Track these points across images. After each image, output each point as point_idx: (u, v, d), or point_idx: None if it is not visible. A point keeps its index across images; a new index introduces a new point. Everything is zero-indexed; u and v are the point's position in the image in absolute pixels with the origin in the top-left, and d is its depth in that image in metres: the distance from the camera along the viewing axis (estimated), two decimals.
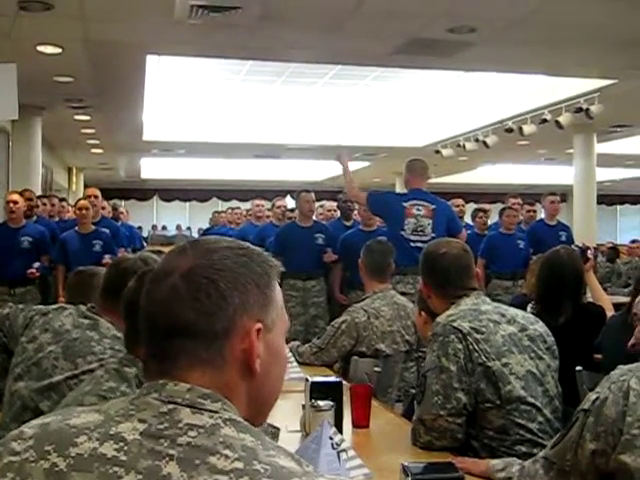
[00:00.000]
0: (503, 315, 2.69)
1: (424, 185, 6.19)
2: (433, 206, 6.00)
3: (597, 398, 1.80)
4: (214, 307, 1.07)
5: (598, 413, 1.78)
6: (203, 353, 1.07)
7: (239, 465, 0.95)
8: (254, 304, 1.11)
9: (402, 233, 5.85)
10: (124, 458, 0.97)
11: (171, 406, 1.02)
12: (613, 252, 14.25)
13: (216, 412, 1.02)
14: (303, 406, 2.66)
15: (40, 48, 7.67)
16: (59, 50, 7.79)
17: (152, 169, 20.16)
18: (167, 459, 0.96)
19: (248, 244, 1.17)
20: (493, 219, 9.62)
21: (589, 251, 4.42)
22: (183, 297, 1.06)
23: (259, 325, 1.10)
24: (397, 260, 4.67)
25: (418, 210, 5.92)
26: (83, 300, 2.89)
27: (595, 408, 1.79)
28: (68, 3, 6.32)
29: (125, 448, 0.97)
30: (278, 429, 2.28)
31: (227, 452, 0.96)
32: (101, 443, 0.98)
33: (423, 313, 3.31)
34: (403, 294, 4.66)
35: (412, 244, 5.72)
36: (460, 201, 9.20)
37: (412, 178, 6.18)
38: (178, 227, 23.27)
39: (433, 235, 5.71)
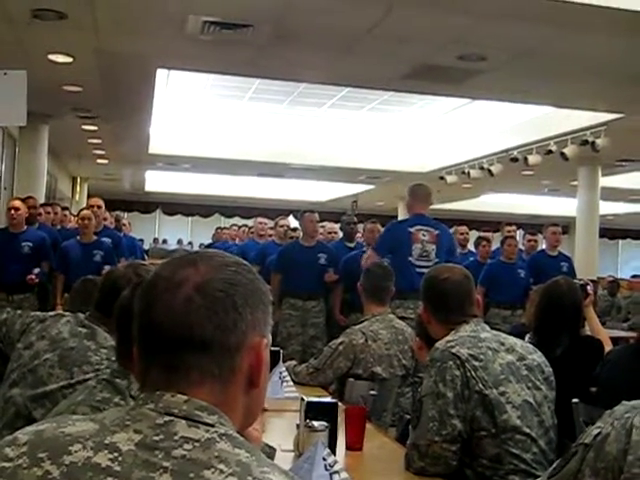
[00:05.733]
0: (502, 343, 2.68)
1: (426, 211, 6.19)
2: (437, 231, 6.01)
3: (599, 433, 1.77)
4: (230, 322, 1.07)
5: (599, 449, 1.75)
6: (215, 369, 1.07)
7: None
8: (261, 320, 1.12)
9: (410, 259, 5.84)
10: (118, 468, 0.96)
11: (167, 418, 1.01)
12: (614, 286, 14.25)
13: (212, 426, 1.02)
14: (297, 426, 2.64)
15: (51, 57, 7.70)
16: (70, 59, 7.82)
17: (156, 182, 20.19)
18: (161, 471, 0.95)
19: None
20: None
21: (589, 286, 4.42)
22: (200, 310, 1.06)
23: (265, 341, 1.12)
24: (399, 285, 4.66)
25: (424, 235, 5.92)
26: (85, 308, 2.88)
27: (596, 443, 1.76)
28: (81, 13, 6.35)
29: (119, 458, 0.97)
30: (274, 449, 2.27)
31: (222, 467, 0.96)
32: (95, 452, 0.98)
33: (417, 338, 3.31)
34: (403, 319, 4.64)
35: (417, 269, 5.70)
36: (464, 228, 9.23)
37: (415, 203, 6.18)
38: (179, 241, 23.27)
39: (437, 260, 5.70)
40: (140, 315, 1.10)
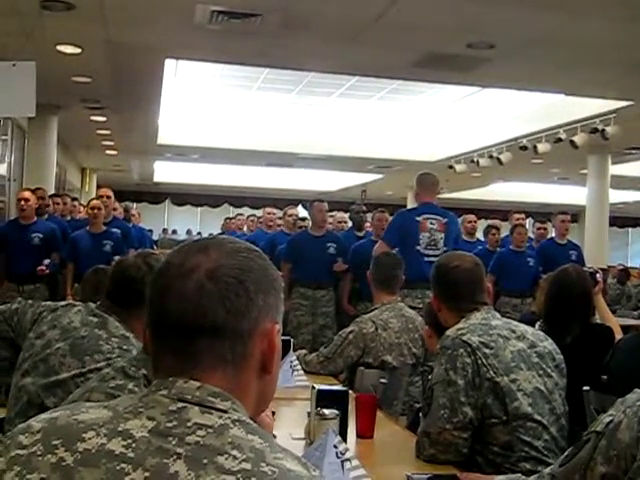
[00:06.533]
0: (513, 331, 2.68)
1: (434, 199, 6.17)
2: (445, 220, 5.99)
3: (611, 421, 1.77)
4: (242, 307, 1.07)
5: (611, 436, 1.74)
6: (228, 354, 1.07)
7: (247, 466, 0.95)
8: (273, 306, 1.12)
9: (418, 248, 5.81)
10: (132, 455, 0.96)
11: (180, 404, 1.02)
12: (624, 274, 14.21)
13: (225, 412, 1.02)
14: (308, 414, 2.65)
15: (60, 48, 7.72)
16: (79, 50, 7.83)
17: (165, 173, 20.21)
18: (175, 457, 0.95)
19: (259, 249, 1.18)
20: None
21: (598, 274, 4.40)
22: (212, 296, 1.06)
23: (278, 327, 1.12)
24: (407, 274, 4.66)
25: (432, 224, 5.90)
26: (96, 297, 2.89)
27: (609, 431, 1.75)
28: (90, 4, 6.35)
29: (133, 445, 0.97)
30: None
31: (235, 453, 0.96)
32: (109, 439, 0.98)
33: (427, 327, 3.31)
34: (412, 308, 4.64)
35: (426, 258, 5.68)
36: (472, 217, 9.19)
37: (423, 192, 6.16)
38: (189, 232, 23.32)
39: (445, 249, 5.69)
40: (152, 302, 1.10)
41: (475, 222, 9.20)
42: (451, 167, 13.98)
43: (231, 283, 1.07)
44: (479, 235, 9.37)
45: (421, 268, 5.38)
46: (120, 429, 0.99)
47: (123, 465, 0.95)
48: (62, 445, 0.99)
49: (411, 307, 4.75)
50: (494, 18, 6.45)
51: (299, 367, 3.81)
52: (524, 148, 11.64)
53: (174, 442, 0.97)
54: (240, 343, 1.08)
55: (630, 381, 2.21)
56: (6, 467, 0.99)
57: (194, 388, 1.03)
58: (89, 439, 0.99)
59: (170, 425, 0.99)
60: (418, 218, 5.93)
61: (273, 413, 2.39)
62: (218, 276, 1.07)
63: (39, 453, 0.99)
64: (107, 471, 0.95)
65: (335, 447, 2.14)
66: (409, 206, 17.89)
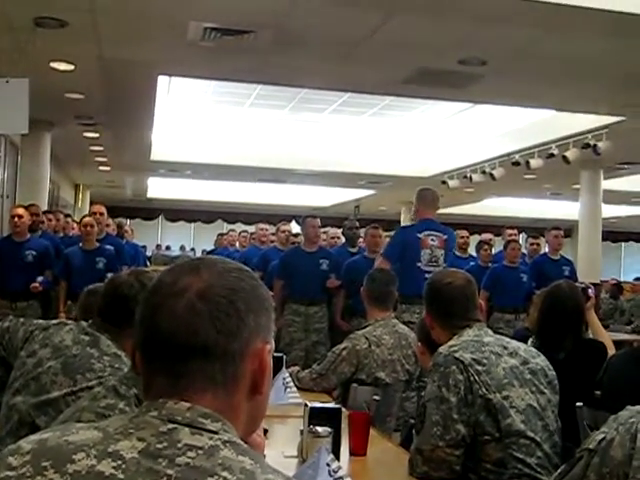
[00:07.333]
0: (505, 347, 2.68)
1: (434, 215, 6.17)
2: (445, 236, 6.00)
3: (603, 438, 1.76)
4: (233, 327, 1.07)
5: (604, 454, 1.73)
6: (219, 375, 1.07)
7: None
8: (264, 326, 1.12)
9: (419, 265, 5.81)
10: (122, 476, 0.96)
11: (171, 425, 1.01)
12: (616, 289, 14.24)
13: (216, 433, 1.02)
14: (301, 431, 2.64)
15: (53, 64, 7.72)
16: (72, 67, 7.83)
17: (158, 189, 20.21)
18: (165, 479, 0.95)
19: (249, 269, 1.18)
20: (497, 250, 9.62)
21: (590, 290, 4.41)
22: (203, 315, 1.06)
23: (269, 347, 1.12)
24: (406, 289, 4.65)
25: (432, 241, 5.90)
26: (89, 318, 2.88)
27: (601, 449, 1.75)
28: (82, 21, 6.36)
29: (123, 466, 0.97)
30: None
31: (226, 474, 0.96)
32: (99, 460, 0.98)
33: (420, 343, 3.31)
34: (410, 323, 4.64)
35: (426, 275, 5.67)
36: (465, 232, 9.20)
37: (423, 208, 6.16)
38: (182, 247, 23.26)
39: (444, 265, 5.69)
40: (143, 320, 1.10)
41: (468, 238, 9.21)
42: (444, 182, 14.00)
43: (222, 303, 1.07)
44: (471, 251, 9.37)
45: (420, 284, 5.35)
46: (110, 450, 0.99)
47: None
48: (52, 467, 0.99)
49: (410, 322, 4.75)
50: (486, 35, 6.48)
51: (292, 384, 3.80)
52: (517, 164, 11.68)
53: (164, 463, 0.97)
54: (231, 364, 1.07)
55: (623, 397, 2.21)
56: None
57: (184, 409, 1.03)
58: (79, 460, 0.98)
59: (160, 446, 0.99)
60: (419, 235, 5.92)
61: (265, 431, 2.38)
62: (209, 296, 1.07)
63: (28, 475, 0.99)
64: None
65: (328, 465, 2.13)
66: (403, 222, 17.96)
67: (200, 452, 0.98)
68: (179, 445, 0.99)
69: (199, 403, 1.04)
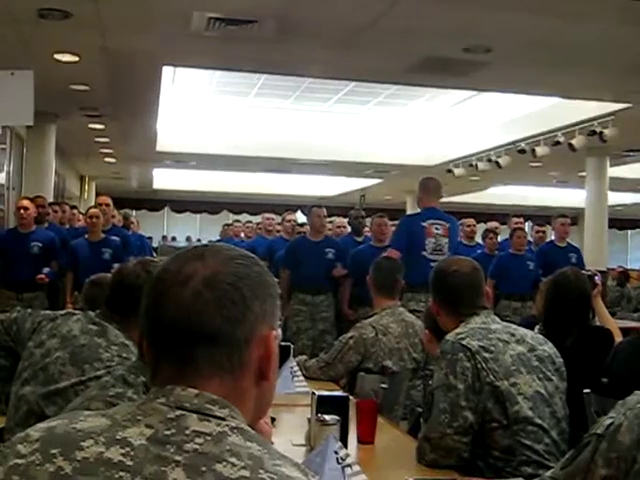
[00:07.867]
0: (512, 335, 2.67)
1: (437, 204, 6.17)
2: (448, 224, 6.00)
3: (611, 423, 1.76)
4: (238, 314, 1.07)
5: (612, 439, 1.74)
6: (225, 362, 1.07)
7: (245, 473, 0.95)
8: (269, 313, 1.12)
9: (424, 253, 5.81)
10: (130, 463, 0.96)
11: (179, 412, 1.01)
12: (623, 276, 14.22)
13: (223, 419, 1.02)
14: (309, 420, 2.65)
15: (57, 56, 7.71)
16: (76, 58, 7.83)
17: (164, 180, 20.21)
18: (173, 465, 0.95)
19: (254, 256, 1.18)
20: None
21: (596, 277, 4.40)
22: (209, 303, 1.06)
23: (275, 333, 1.12)
24: (411, 278, 4.65)
25: (437, 229, 5.90)
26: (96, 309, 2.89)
27: (609, 434, 1.75)
28: (86, 12, 6.35)
29: (131, 453, 0.97)
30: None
31: (233, 460, 0.96)
32: (107, 448, 0.98)
33: (427, 331, 3.31)
34: (415, 311, 4.63)
35: (431, 264, 5.67)
36: (471, 221, 9.19)
37: (426, 197, 6.16)
38: (188, 238, 23.31)
39: (449, 254, 5.69)
40: (149, 309, 1.10)
41: (474, 226, 9.20)
42: (450, 171, 13.99)
43: (227, 290, 1.07)
44: (478, 239, 9.37)
45: (426, 273, 5.36)
46: (118, 437, 0.99)
47: (121, 473, 0.95)
48: (60, 454, 0.99)
49: (415, 311, 4.75)
50: (491, 22, 6.45)
51: (299, 373, 3.80)
52: (522, 151, 11.64)
53: (172, 450, 0.97)
54: (237, 350, 1.08)
55: (630, 383, 2.20)
56: (4, 477, 0.99)
57: (192, 396, 1.03)
58: (87, 447, 0.99)
59: (168, 433, 0.99)
60: (424, 223, 5.92)
61: (273, 420, 2.39)
62: (214, 283, 1.07)
63: (37, 462, 0.99)
64: (105, 479, 0.95)
65: (336, 453, 2.13)
66: (409, 210, 17.93)
67: (208, 438, 0.98)
68: (187, 432, 0.99)
69: (206, 390, 1.05)
